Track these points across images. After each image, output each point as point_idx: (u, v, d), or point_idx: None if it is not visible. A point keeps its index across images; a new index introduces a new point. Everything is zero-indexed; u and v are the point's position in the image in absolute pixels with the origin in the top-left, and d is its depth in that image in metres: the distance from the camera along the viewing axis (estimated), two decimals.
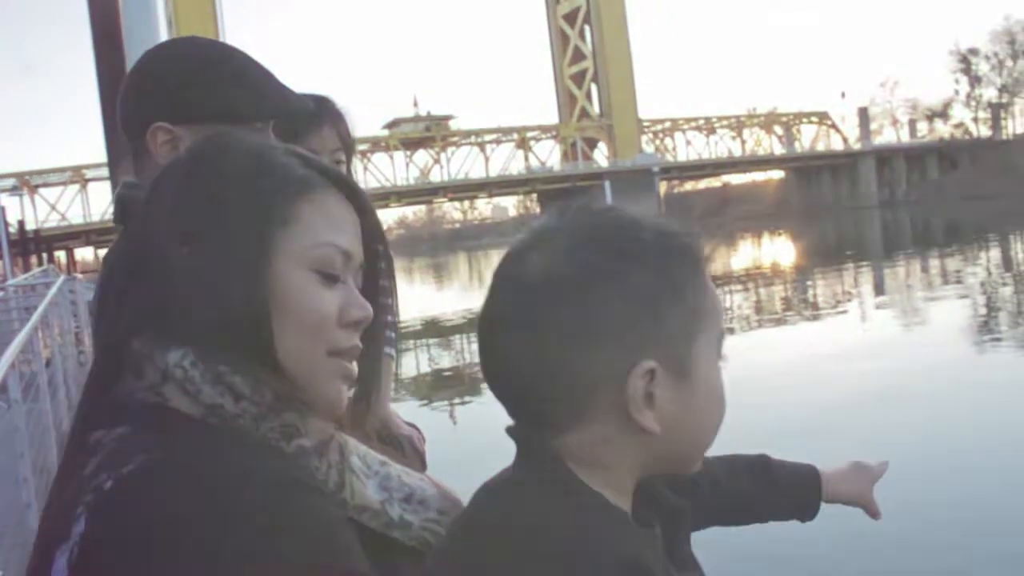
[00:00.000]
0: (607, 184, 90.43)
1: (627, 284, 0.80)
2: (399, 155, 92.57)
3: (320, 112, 1.68)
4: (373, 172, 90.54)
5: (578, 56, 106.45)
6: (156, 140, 1.30)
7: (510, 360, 0.83)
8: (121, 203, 1.37)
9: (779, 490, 1.22)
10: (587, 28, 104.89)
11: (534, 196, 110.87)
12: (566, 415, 0.82)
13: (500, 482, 0.87)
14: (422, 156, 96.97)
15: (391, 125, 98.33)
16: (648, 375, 0.79)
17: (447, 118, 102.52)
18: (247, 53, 1.38)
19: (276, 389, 0.82)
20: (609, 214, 0.85)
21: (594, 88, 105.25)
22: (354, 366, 0.88)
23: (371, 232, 0.93)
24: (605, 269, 0.80)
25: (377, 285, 0.95)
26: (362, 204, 0.91)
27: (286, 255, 0.83)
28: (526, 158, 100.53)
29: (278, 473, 0.76)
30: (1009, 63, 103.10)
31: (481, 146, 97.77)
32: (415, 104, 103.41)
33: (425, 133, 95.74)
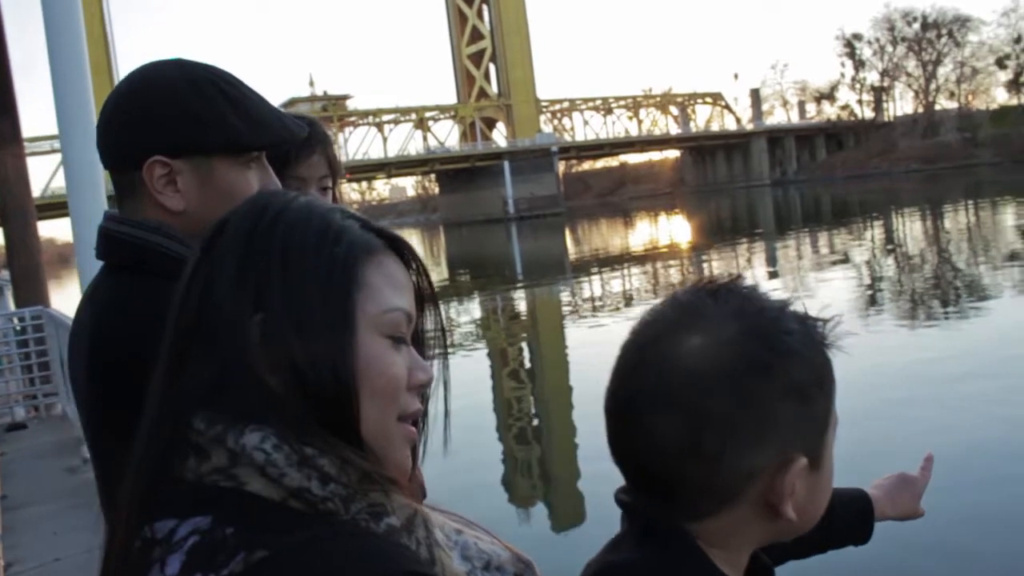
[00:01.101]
0: (506, 164, 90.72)
1: (786, 378, 0.81)
2: None
3: (310, 137, 1.58)
4: None
5: (476, 35, 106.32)
6: (153, 174, 1.21)
7: (661, 443, 0.81)
8: (108, 238, 1.26)
9: (836, 523, 1.21)
10: (485, 8, 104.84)
11: (433, 176, 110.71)
12: (713, 502, 0.82)
13: (634, 567, 0.85)
14: None
15: (287, 105, 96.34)
16: (801, 470, 0.82)
17: (344, 98, 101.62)
18: (235, 75, 1.29)
19: (360, 467, 0.78)
20: (759, 300, 0.85)
21: (492, 68, 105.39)
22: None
23: (423, 289, 0.91)
24: (768, 363, 0.80)
25: (425, 342, 0.93)
26: (414, 262, 0.89)
27: (364, 322, 0.81)
28: (425, 138, 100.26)
29: (394, 566, 0.73)
30: (890, 48, 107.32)
31: (379, 126, 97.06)
32: (311, 83, 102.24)
33: (322, 113, 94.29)
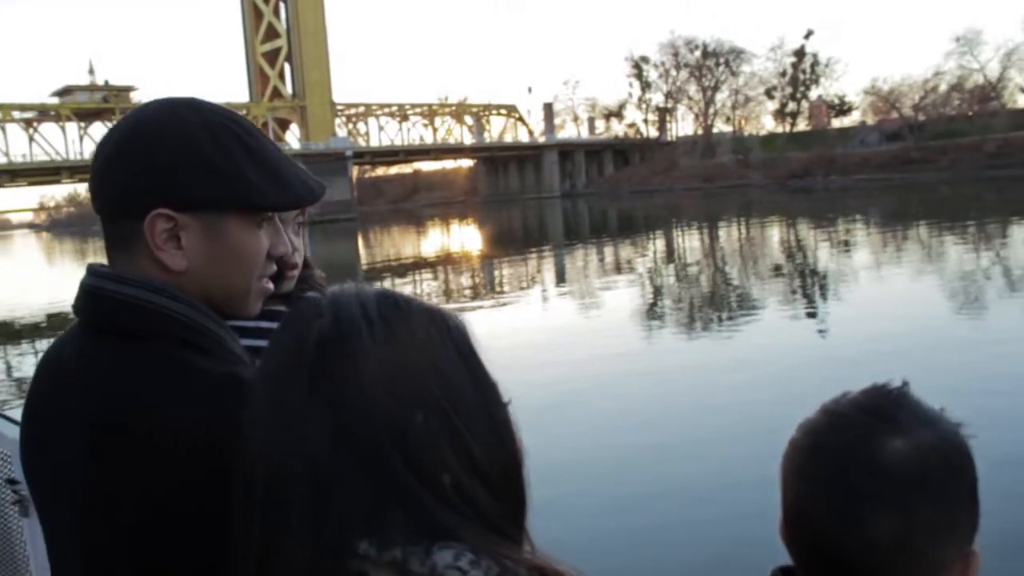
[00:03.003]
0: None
1: (970, 479, 0.91)
2: (72, 126, 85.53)
3: None
4: (41, 144, 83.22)
5: (272, 33, 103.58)
6: (155, 228, 1.06)
7: (874, 539, 0.87)
8: (100, 298, 1.08)
9: None
10: (282, 5, 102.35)
11: None
12: None
13: None
14: (99, 129, 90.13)
15: (62, 93, 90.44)
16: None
17: (128, 89, 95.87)
18: (248, 119, 1.16)
19: (543, 567, 0.73)
20: (931, 406, 0.94)
21: (287, 67, 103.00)
22: None
23: None
24: (960, 465, 0.90)
25: None
26: None
27: None
28: None
29: None
30: (674, 73, 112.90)
31: None
32: (91, 71, 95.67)
33: (103, 104, 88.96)
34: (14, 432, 2.15)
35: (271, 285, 1.18)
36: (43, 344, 18.50)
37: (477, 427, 0.73)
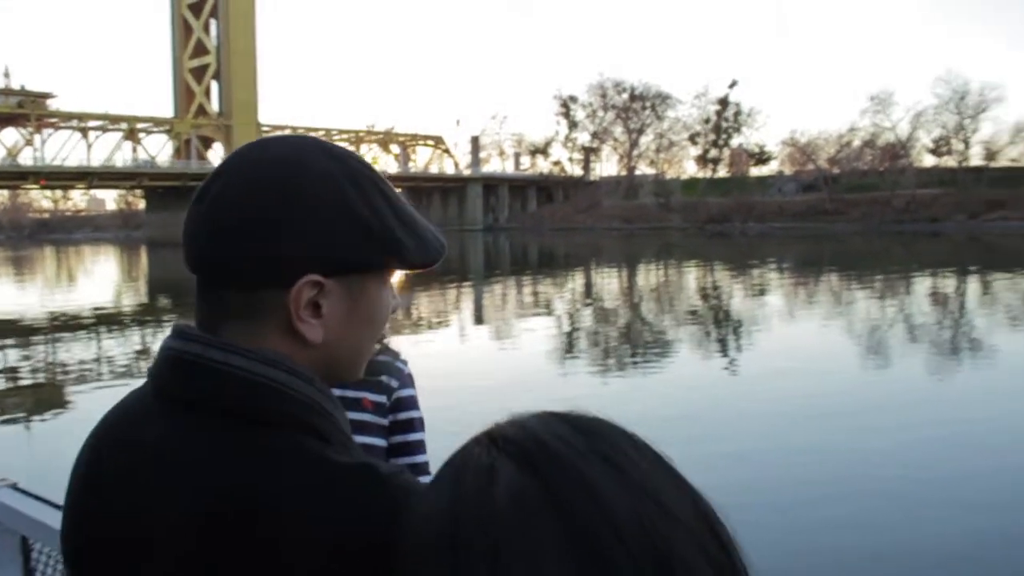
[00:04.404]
0: None
1: None
2: None
3: None
4: None
5: (200, 50, 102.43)
6: (302, 296, 0.89)
7: None
8: (189, 367, 0.90)
9: None
10: (213, 22, 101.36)
11: (140, 192, 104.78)
12: None
13: None
14: (11, 135, 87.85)
15: None
16: None
17: (46, 96, 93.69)
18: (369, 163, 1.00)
19: None
20: None
21: (214, 85, 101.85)
22: None
23: None
24: None
25: None
26: None
27: None
28: (134, 150, 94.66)
29: None
30: (601, 113, 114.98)
31: (84, 131, 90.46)
32: (6, 75, 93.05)
33: (17, 109, 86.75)
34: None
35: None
36: None
37: (710, 544, 0.66)
